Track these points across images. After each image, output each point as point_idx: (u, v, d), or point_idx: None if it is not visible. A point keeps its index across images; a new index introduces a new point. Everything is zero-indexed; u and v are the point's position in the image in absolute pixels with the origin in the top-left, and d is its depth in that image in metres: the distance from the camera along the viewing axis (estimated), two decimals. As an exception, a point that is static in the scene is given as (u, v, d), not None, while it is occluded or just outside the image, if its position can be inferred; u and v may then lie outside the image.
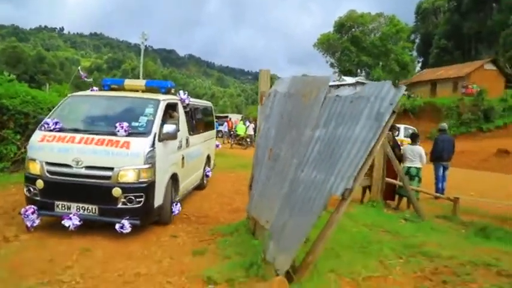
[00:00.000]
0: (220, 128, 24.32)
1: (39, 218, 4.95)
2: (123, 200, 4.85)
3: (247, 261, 3.76)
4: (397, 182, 7.14)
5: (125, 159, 4.89)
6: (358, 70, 50.27)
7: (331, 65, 51.84)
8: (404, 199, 7.29)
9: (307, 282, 3.29)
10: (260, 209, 4.41)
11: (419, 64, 56.00)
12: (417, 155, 7.34)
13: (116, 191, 4.80)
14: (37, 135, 5.24)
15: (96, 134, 5.11)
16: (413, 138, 7.84)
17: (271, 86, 5.27)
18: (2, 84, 8.87)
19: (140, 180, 4.91)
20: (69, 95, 6.17)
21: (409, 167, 7.38)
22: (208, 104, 9.59)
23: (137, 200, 4.90)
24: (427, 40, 52.65)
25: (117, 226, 4.80)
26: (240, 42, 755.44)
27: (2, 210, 5.92)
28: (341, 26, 47.17)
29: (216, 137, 10.68)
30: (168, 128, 5.33)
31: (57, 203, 4.94)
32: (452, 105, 30.36)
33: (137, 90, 6.35)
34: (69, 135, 5.11)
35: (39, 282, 3.55)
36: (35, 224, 4.91)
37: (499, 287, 3.34)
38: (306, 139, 3.94)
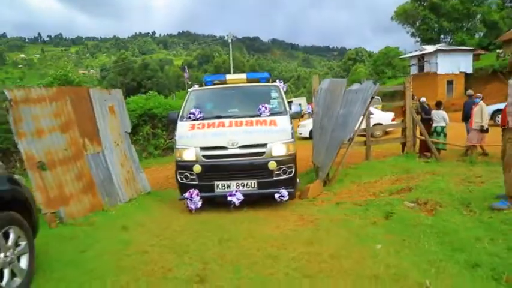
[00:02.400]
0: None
1: (201, 200, 5.40)
2: (277, 172, 5.35)
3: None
4: (422, 138, 9.86)
5: (275, 135, 5.44)
6: (442, 36, 48.82)
7: (412, 35, 51.05)
8: (441, 151, 9.81)
9: (332, 184, 6.71)
10: (315, 157, 7.85)
11: None
12: (441, 117, 9.93)
13: (272, 164, 5.30)
14: (185, 126, 5.71)
15: (240, 117, 5.67)
16: (438, 105, 10.39)
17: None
18: (151, 99, 13.50)
19: (289, 152, 5.48)
20: (189, 90, 6.72)
21: (436, 126, 10.00)
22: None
23: (289, 170, 5.45)
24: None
25: (276, 196, 5.36)
26: (322, 19, 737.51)
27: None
28: (419, -6, 46.38)
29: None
30: (295, 108, 6.17)
31: (217, 183, 5.37)
32: None
33: (239, 83, 6.67)
34: (217, 121, 5.62)
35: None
36: (198, 206, 5.36)
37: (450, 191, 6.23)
38: (335, 115, 7.28)
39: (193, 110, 5.84)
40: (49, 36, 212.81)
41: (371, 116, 8.59)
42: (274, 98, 6.15)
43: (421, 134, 9.92)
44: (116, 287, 3.14)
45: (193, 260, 3.60)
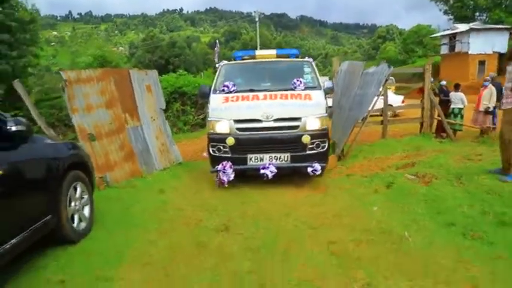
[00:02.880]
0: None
1: (233, 173, 5.38)
2: (310, 146, 5.34)
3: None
4: (443, 118, 10.21)
5: (309, 109, 5.42)
6: (477, 14, 47.04)
7: (445, 12, 49.40)
8: (457, 132, 10.17)
9: (346, 159, 7.33)
10: (333, 134, 8.44)
11: None
12: (459, 99, 10.23)
13: (306, 138, 5.29)
14: (219, 98, 5.63)
15: (275, 91, 5.63)
16: (456, 87, 10.65)
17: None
18: (181, 78, 14.29)
19: (323, 127, 5.49)
20: (221, 64, 6.50)
21: (453, 108, 10.33)
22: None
23: (322, 145, 5.45)
24: None
25: (309, 169, 5.39)
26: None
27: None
28: (453, -30, 44.65)
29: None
30: (328, 84, 6.01)
31: (250, 156, 5.34)
32: None
33: (268, 58, 6.58)
34: (251, 94, 5.56)
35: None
36: (231, 179, 5.34)
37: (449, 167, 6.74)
38: (353, 95, 7.80)
39: (226, 83, 5.75)
40: (79, 14, 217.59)
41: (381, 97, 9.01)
42: (307, 73, 6.12)
43: (439, 115, 10.29)
44: (157, 233, 3.95)
45: (220, 215, 4.38)
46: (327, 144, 5.53)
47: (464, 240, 3.27)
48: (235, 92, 5.68)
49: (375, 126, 9.06)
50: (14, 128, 2.88)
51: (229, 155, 5.36)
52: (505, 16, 41.70)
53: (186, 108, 13.98)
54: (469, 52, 34.27)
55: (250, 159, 5.36)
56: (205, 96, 5.97)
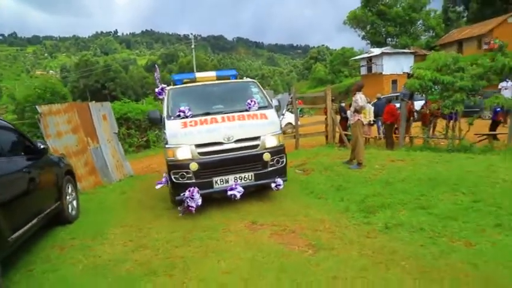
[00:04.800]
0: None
1: (201, 198, 5.26)
2: (271, 162, 5.55)
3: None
4: (341, 131, 13.07)
5: (266, 127, 5.63)
6: (389, 39, 53.56)
7: (363, 38, 55.59)
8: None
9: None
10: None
11: (464, 19, 55.05)
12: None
13: (266, 156, 5.47)
14: (176, 124, 5.50)
15: (230, 112, 5.70)
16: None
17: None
18: (126, 105, 16.02)
19: (280, 143, 5.73)
20: (167, 88, 6.33)
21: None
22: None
23: (281, 160, 5.71)
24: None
25: (273, 185, 5.64)
26: (287, 17, 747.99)
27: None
28: (367, 2, 50.75)
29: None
30: (275, 102, 6.26)
31: (215, 179, 5.34)
32: (475, 61, 33.51)
33: (209, 81, 6.58)
34: (209, 117, 5.58)
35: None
36: (199, 204, 5.24)
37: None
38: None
39: (182, 108, 5.65)
40: (2, 35, 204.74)
41: (283, 117, 11.52)
42: (255, 93, 6.28)
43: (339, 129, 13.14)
44: (126, 212, 5.94)
45: (167, 201, 6.41)
46: (285, 160, 5.83)
47: (315, 199, 5.73)
48: (192, 117, 5.63)
49: (289, 139, 11.55)
50: (42, 146, 4.80)
51: (193, 181, 5.29)
52: (410, 42, 48.33)
53: (131, 131, 15.67)
54: (383, 73, 39.31)
55: (216, 182, 5.38)
56: (156, 122, 6.03)
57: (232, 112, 5.73)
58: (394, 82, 39.07)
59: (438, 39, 46.64)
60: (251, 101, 5.88)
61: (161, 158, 12.73)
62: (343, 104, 14.20)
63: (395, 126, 11.68)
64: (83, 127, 8.55)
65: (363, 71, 43.25)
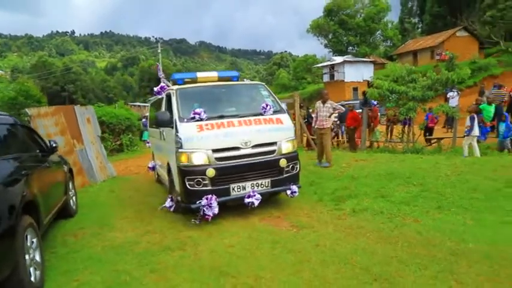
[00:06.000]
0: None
1: (218, 206, 5.01)
2: (286, 169, 5.45)
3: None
4: (308, 136, 14.15)
5: (282, 133, 5.51)
6: (350, 48, 56.14)
7: (325, 46, 57.86)
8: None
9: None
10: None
11: (419, 30, 58.54)
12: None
13: (283, 162, 5.37)
14: (191, 127, 5.18)
15: (245, 116, 5.46)
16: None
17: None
18: (100, 109, 16.31)
19: (295, 149, 5.67)
20: (174, 88, 5.88)
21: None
22: None
23: (296, 166, 5.64)
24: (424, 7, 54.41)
25: (288, 192, 5.56)
26: (250, 22, 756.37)
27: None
28: (329, 11, 52.99)
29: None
30: (284, 106, 6.10)
31: (232, 186, 5.13)
32: (429, 70, 36.12)
33: (210, 81, 6.32)
34: (225, 120, 5.32)
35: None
36: (216, 212, 4.99)
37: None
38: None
39: (198, 110, 5.30)
40: None
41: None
42: (266, 97, 6.04)
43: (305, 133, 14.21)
44: (122, 207, 6.56)
45: (159, 197, 7.07)
46: (299, 166, 5.75)
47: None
48: (207, 119, 5.31)
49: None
50: (54, 144, 5.38)
51: (210, 188, 5.03)
52: (370, 51, 51.04)
53: (105, 135, 15.97)
54: (345, 80, 41.23)
55: (233, 189, 5.17)
56: (166, 124, 5.55)
57: (247, 116, 5.50)
58: (355, 89, 41.03)
59: (395, 48, 49.77)
60: (266, 105, 5.65)
61: (137, 161, 13.42)
62: (310, 110, 15.33)
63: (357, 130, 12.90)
64: (69, 129, 9.00)
65: (326, 78, 45.10)
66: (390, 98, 10.58)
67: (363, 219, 4.86)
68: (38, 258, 3.60)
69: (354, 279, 3.25)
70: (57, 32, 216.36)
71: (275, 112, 5.70)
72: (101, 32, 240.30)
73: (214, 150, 5.09)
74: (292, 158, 5.54)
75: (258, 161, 5.27)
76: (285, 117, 5.74)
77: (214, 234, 4.67)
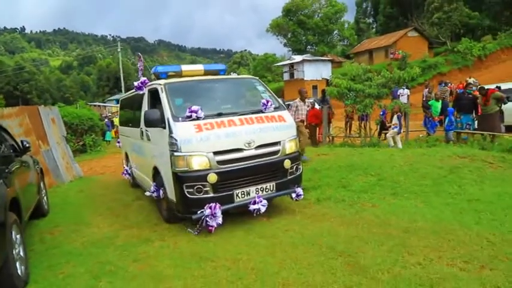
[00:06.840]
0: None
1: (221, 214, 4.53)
2: (290, 170, 5.04)
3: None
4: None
5: (285, 131, 5.07)
6: (309, 47, 57.57)
7: (285, 45, 59.00)
8: None
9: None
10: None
11: (374, 30, 61.16)
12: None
13: (287, 163, 4.95)
14: (188, 127, 4.60)
15: (245, 114, 4.96)
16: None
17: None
18: (61, 109, 15.92)
19: (297, 149, 5.26)
20: (163, 83, 5.17)
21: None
22: None
23: (299, 167, 5.27)
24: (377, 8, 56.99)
25: (293, 195, 5.14)
26: (209, 21, 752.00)
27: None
28: (288, 11, 54.07)
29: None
30: (281, 101, 5.61)
31: (236, 192, 4.64)
32: (383, 69, 37.96)
33: (196, 75, 5.75)
34: (225, 119, 4.78)
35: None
36: (220, 222, 4.52)
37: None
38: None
39: (194, 108, 4.70)
40: None
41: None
42: (263, 92, 5.52)
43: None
44: (95, 206, 6.68)
45: (130, 194, 7.22)
46: (301, 167, 5.40)
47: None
48: (204, 118, 4.72)
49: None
50: (27, 145, 5.44)
51: (212, 195, 4.52)
52: (328, 50, 52.59)
53: (68, 136, 15.64)
54: (305, 78, 42.23)
55: (237, 195, 4.66)
56: (157, 124, 4.85)
57: (247, 113, 5.00)
58: (315, 87, 42.19)
59: (352, 48, 51.70)
60: (266, 101, 5.17)
61: (101, 162, 13.34)
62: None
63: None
64: (34, 130, 8.90)
65: (286, 76, 46.02)
66: (348, 96, 11.22)
67: (327, 207, 5.34)
68: (22, 253, 3.76)
69: (321, 256, 3.68)
70: (5, 28, 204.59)
71: (276, 109, 5.26)
72: (54, 29, 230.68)
73: (216, 153, 4.55)
74: (295, 158, 5.16)
75: (262, 163, 4.80)
76: (287, 114, 5.33)
77: (191, 226, 4.97)
